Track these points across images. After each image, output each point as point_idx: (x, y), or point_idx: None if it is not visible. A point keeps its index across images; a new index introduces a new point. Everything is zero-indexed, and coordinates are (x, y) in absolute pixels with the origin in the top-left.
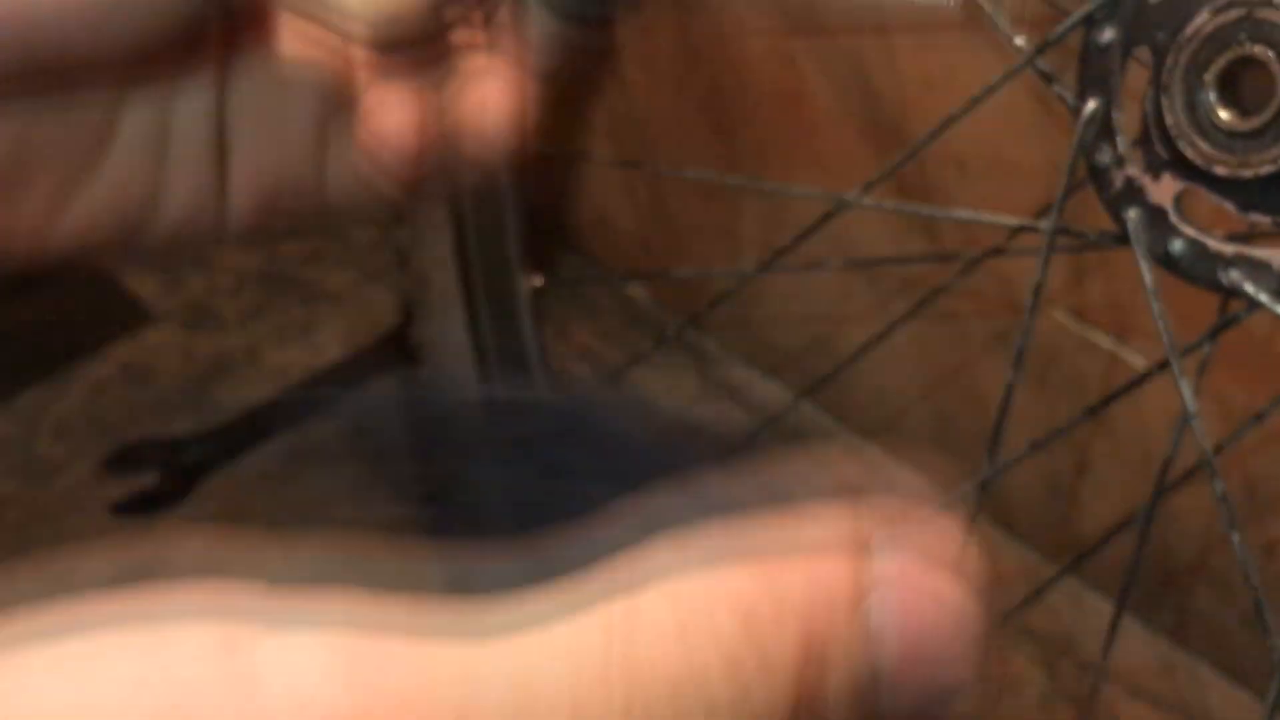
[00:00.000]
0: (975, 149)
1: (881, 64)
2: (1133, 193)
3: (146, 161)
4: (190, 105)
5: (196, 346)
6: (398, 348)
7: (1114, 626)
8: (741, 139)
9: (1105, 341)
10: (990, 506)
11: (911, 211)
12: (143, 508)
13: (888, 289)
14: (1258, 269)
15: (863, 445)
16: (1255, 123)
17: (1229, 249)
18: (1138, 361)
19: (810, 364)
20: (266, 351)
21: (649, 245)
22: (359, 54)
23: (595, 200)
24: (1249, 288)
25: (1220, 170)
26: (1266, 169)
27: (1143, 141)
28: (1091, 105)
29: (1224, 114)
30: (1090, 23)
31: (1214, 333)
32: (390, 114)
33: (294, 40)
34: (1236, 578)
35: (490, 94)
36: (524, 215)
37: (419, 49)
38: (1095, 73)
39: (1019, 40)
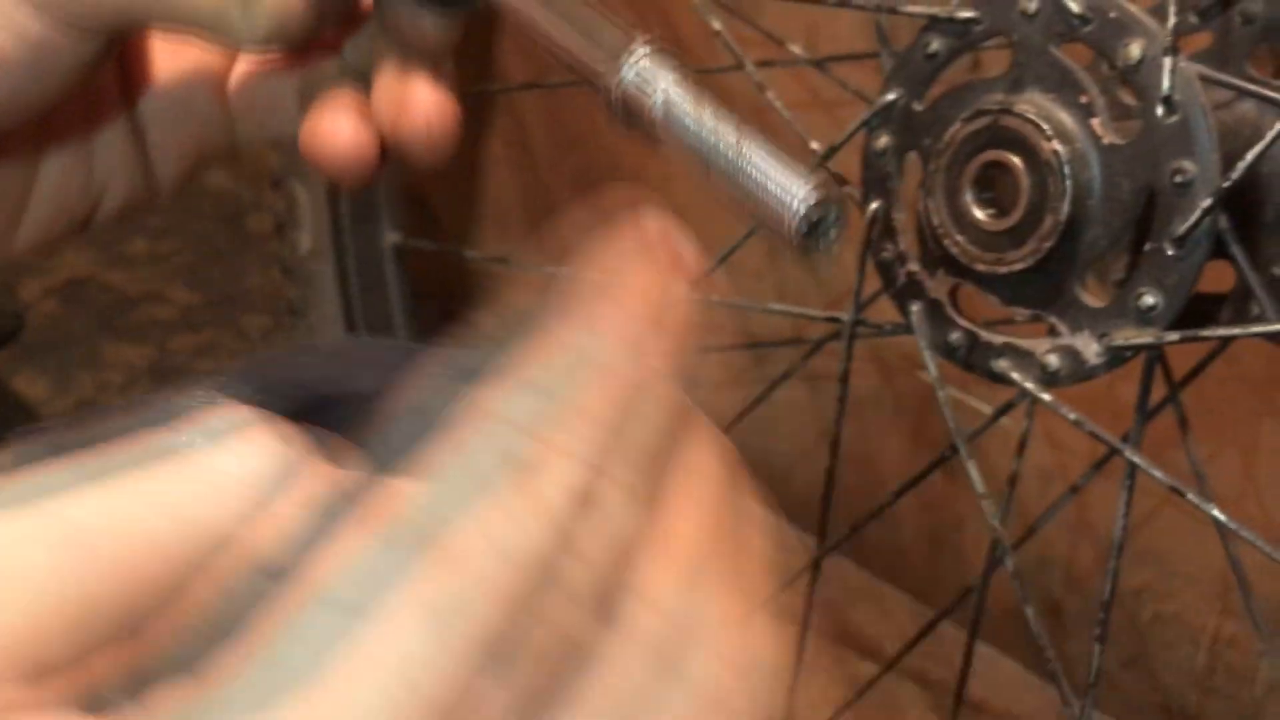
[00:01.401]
0: None
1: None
2: (914, 287)
3: (75, 181)
4: (103, 133)
5: None
6: None
7: (966, 663)
8: (600, 171)
9: (971, 399)
10: (878, 561)
11: (732, 305)
12: None
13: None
14: (1023, 358)
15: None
16: (1008, 222)
17: (998, 339)
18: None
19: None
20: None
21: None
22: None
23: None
24: (1016, 375)
25: (981, 267)
26: (1020, 265)
27: (920, 240)
28: (874, 206)
29: (980, 214)
30: (869, 129)
31: (995, 417)
32: (331, 123)
33: (187, 56)
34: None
35: (410, 96)
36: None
37: (301, 50)
38: (876, 175)
39: (814, 144)
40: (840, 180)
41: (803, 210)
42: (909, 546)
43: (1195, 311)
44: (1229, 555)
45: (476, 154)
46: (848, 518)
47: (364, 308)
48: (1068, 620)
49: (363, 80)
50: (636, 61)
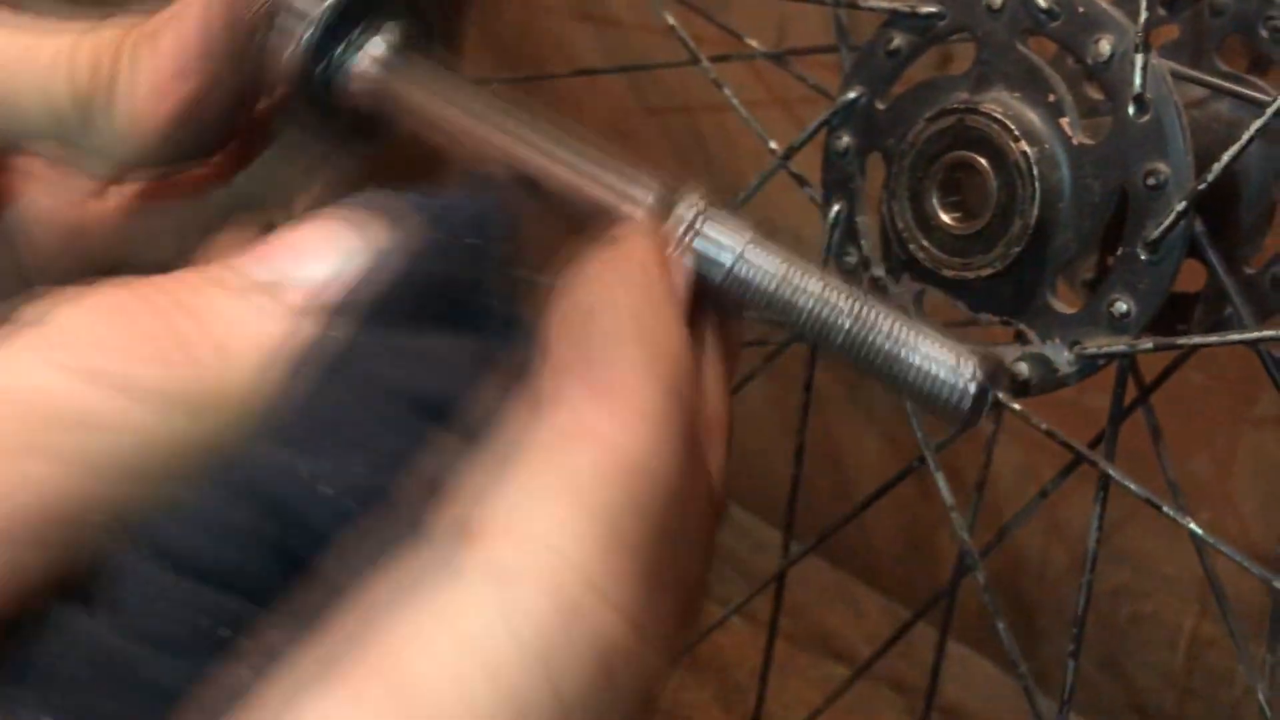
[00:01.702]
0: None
1: (720, 140)
2: (878, 292)
3: None
4: None
5: None
6: None
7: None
8: None
9: None
10: (852, 561)
11: None
12: None
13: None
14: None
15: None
16: (976, 226)
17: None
18: None
19: None
20: None
21: None
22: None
23: None
24: None
25: (948, 272)
26: (988, 270)
27: (884, 244)
28: (835, 209)
29: (947, 218)
30: (829, 128)
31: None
32: None
33: (51, 184)
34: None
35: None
36: None
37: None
38: (837, 177)
39: (773, 144)
40: (800, 181)
41: (974, 389)
42: (882, 547)
43: (1167, 312)
44: (1205, 567)
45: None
46: (820, 517)
47: None
48: (1042, 621)
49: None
50: (686, 226)
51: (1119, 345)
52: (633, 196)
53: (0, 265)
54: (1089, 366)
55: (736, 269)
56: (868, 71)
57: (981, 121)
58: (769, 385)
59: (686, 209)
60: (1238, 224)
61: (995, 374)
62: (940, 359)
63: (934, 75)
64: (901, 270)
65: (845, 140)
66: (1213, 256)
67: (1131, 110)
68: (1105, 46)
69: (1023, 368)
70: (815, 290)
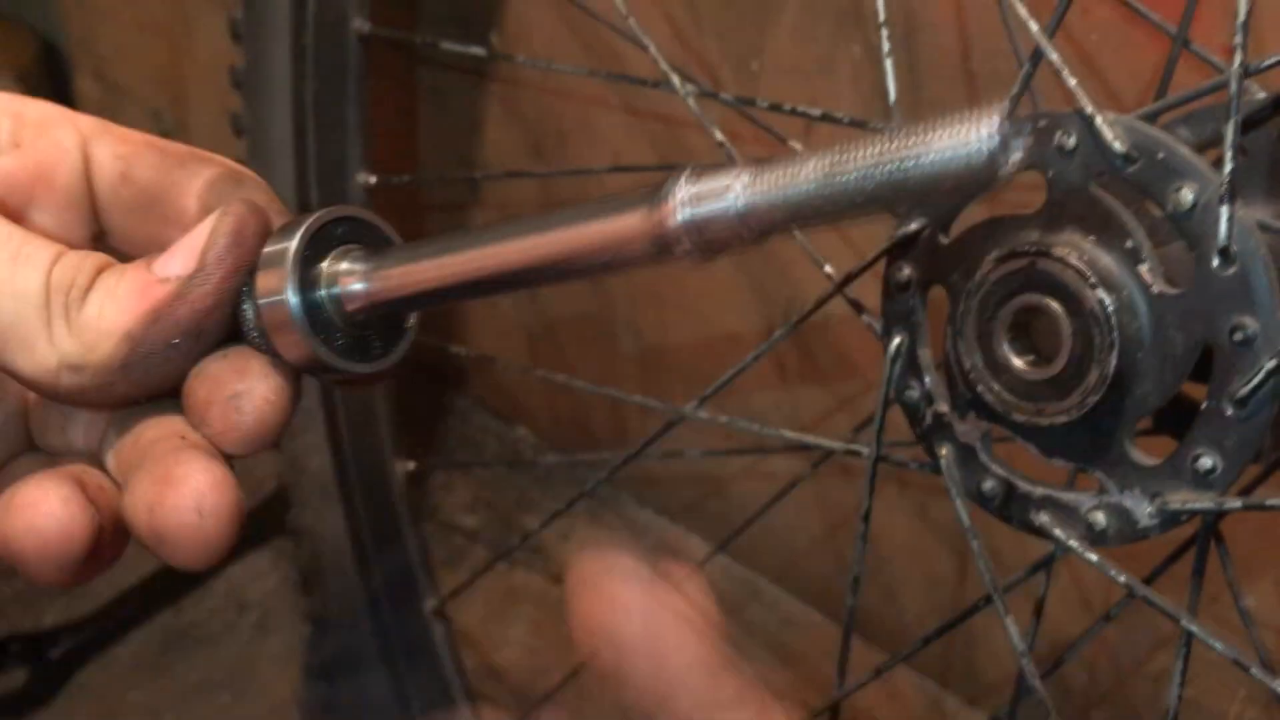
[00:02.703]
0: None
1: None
2: (943, 428)
3: None
4: None
5: None
6: (276, 518)
7: None
8: (612, 290)
9: None
10: (886, 640)
11: (743, 429)
12: (13, 709)
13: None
14: (1065, 512)
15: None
16: (1050, 372)
17: (1038, 490)
18: None
19: (707, 507)
20: None
21: (530, 387)
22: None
23: (479, 344)
24: (1058, 532)
25: (1018, 416)
26: (1063, 418)
27: (949, 381)
28: (896, 340)
29: (1018, 361)
30: (890, 258)
31: (1032, 570)
32: (35, 494)
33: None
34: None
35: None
36: (395, 400)
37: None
38: (898, 309)
39: (828, 269)
40: (858, 307)
41: (993, 143)
42: (914, 621)
43: None
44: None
45: (468, 221)
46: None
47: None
48: (1091, 701)
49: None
50: (681, 192)
51: (1205, 502)
52: (627, 209)
53: None
54: (1171, 521)
55: (742, 207)
56: (929, 204)
57: (1055, 266)
58: (792, 461)
59: (674, 185)
60: None
61: (1010, 119)
62: (955, 139)
63: (1002, 214)
64: (968, 409)
65: (906, 272)
66: None
67: (1216, 262)
68: (1187, 195)
69: (1099, 517)
70: (822, 174)
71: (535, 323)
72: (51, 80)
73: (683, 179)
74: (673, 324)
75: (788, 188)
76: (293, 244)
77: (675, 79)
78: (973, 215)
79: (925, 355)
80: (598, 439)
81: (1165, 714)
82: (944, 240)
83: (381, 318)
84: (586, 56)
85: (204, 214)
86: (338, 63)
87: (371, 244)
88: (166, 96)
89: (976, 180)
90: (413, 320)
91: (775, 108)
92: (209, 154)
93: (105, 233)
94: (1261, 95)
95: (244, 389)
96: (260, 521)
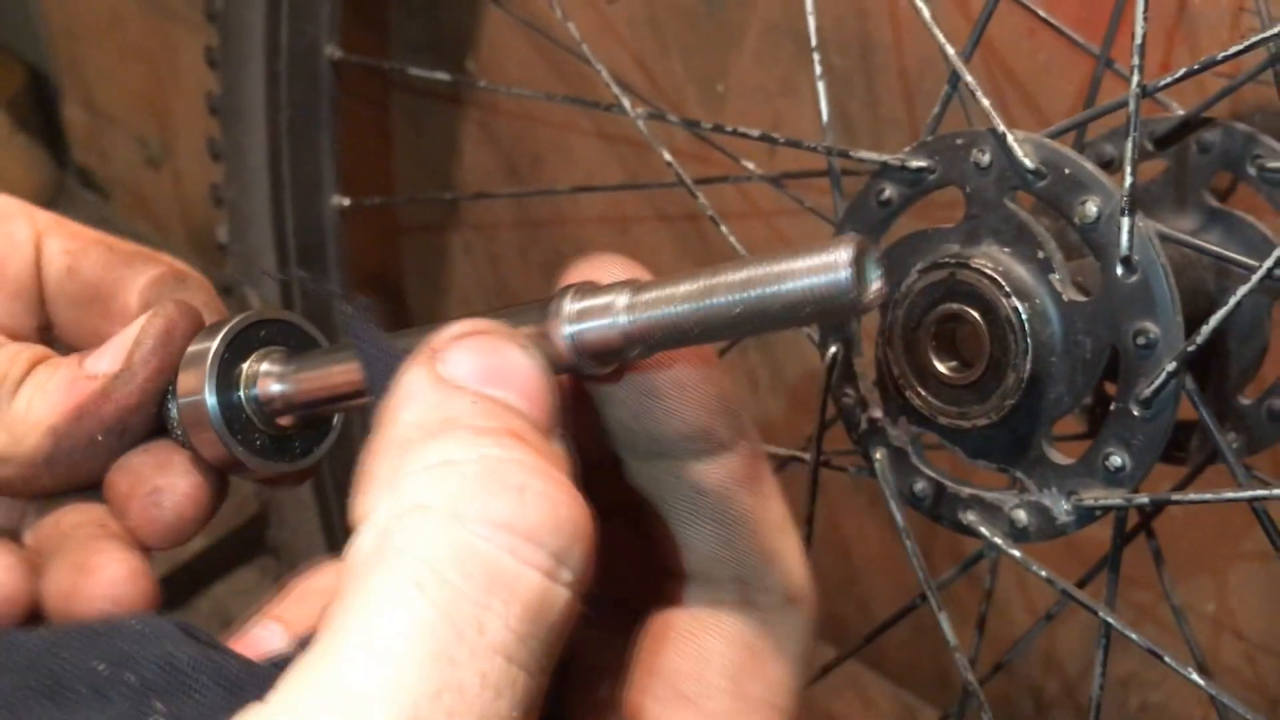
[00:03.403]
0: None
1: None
2: (876, 433)
3: None
4: None
5: None
6: (259, 536)
7: None
8: None
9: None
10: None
11: None
12: None
13: None
14: (991, 511)
15: None
16: (970, 376)
17: (965, 491)
18: None
19: None
20: None
21: None
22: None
23: None
24: (984, 530)
25: (943, 420)
26: (983, 421)
27: (881, 387)
28: (832, 350)
29: (942, 367)
30: None
31: (963, 568)
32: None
33: None
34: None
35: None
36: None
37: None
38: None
39: None
40: None
41: (850, 271)
42: (888, 634)
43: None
44: (1216, 708)
45: (442, 245)
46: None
47: None
48: (1054, 709)
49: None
50: (570, 311)
51: (1115, 498)
52: (521, 324)
53: None
54: (1086, 517)
55: (624, 325)
56: (860, 218)
57: (972, 276)
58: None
59: (560, 303)
60: (1231, 362)
61: (860, 246)
62: (812, 267)
63: (925, 227)
64: (899, 413)
65: None
66: (1205, 413)
67: (1120, 271)
68: (1092, 208)
69: (1020, 515)
70: (695, 296)
71: None
72: (39, 108)
73: (567, 298)
74: None
75: (664, 308)
76: (213, 345)
77: (626, 102)
78: (900, 229)
79: (860, 363)
80: None
81: (1129, 717)
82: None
83: (301, 418)
84: (558, 81)
85: (144, 311)
86: (311, 88)
87: (295, 345)
88: (153, 123)
89: (836, 309)
90: (336, 420)
91: (718, 128)
92: (156, 254)
93: (51, 325)
94: (1179, 113)
95: (165, 484)
96: (244, 539)
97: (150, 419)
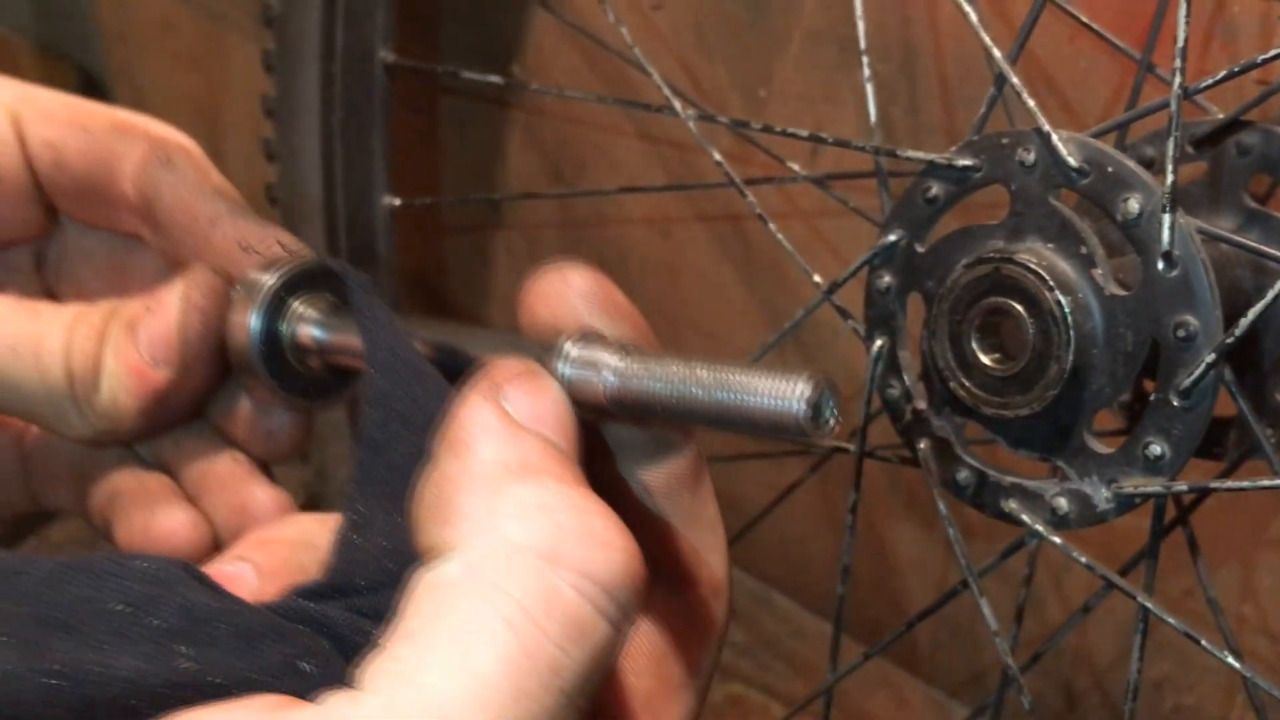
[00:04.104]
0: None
1: (766, 248)
2: (920, 424)
3: None
4: None
5: None
6: None
7: None
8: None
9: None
10: (893, 649)
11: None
12: None
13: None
14: (1032, 499)
15: (768, 592)
16: (1014, 368)
17: (1007, 479)
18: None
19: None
20: None
21: None
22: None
23: None
24: (1026, 518)
25: (987, 410)
26: (1026, 411)
27: (926, 379)
28: (878, 343)
29: (986, 359)
30: (871, 267)
31: (1004, 555)
32: (167, 521)
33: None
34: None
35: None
36: None
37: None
38: (879, 314)
39: (816, 278)
40: (844, 314)
41: (804, 411)
42: (921, 635)
43: (1204, 437)
44: (1248, 691)
45: (485, 247)
46: (863, 606)
47: None
48: (1087, 709)
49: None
50: (568, 355)
51: (1154, 486)
52: (518, 351)
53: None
54: (1126, 505)
55: (610, 384)
56: (906, 215)
57: (1017, 271)
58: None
59: (563, 343)
60: (1266, 357)
61: (823, 386)
62: (770, 388)
63: (970, 224)
64: (943, 404)
65: (886, 279)
66: (1242, 404)
67: (1160, 266)
68: (1134, 205)
69: (1062, 502)
70: (676, 380)
71: None
72: None
73: (570, 341)
74: (687, 343)
75: (648, 381)
76: (267, 282)
77: (677, 104)
78: (946, 226)
79: (905, 357)
80: None
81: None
82: (920, 249)
83: (326, 365)
84: (603, 86)
85: (140, 199)
86: (364, 91)
87: (336, 293)
88: (202, 125)
89: (789, 435)
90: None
91: (767, 129)
92: (132, 122)
93: (56, 208)
94: (1220, 116)
95: (274, 426)
96: None
97: (222, 372)
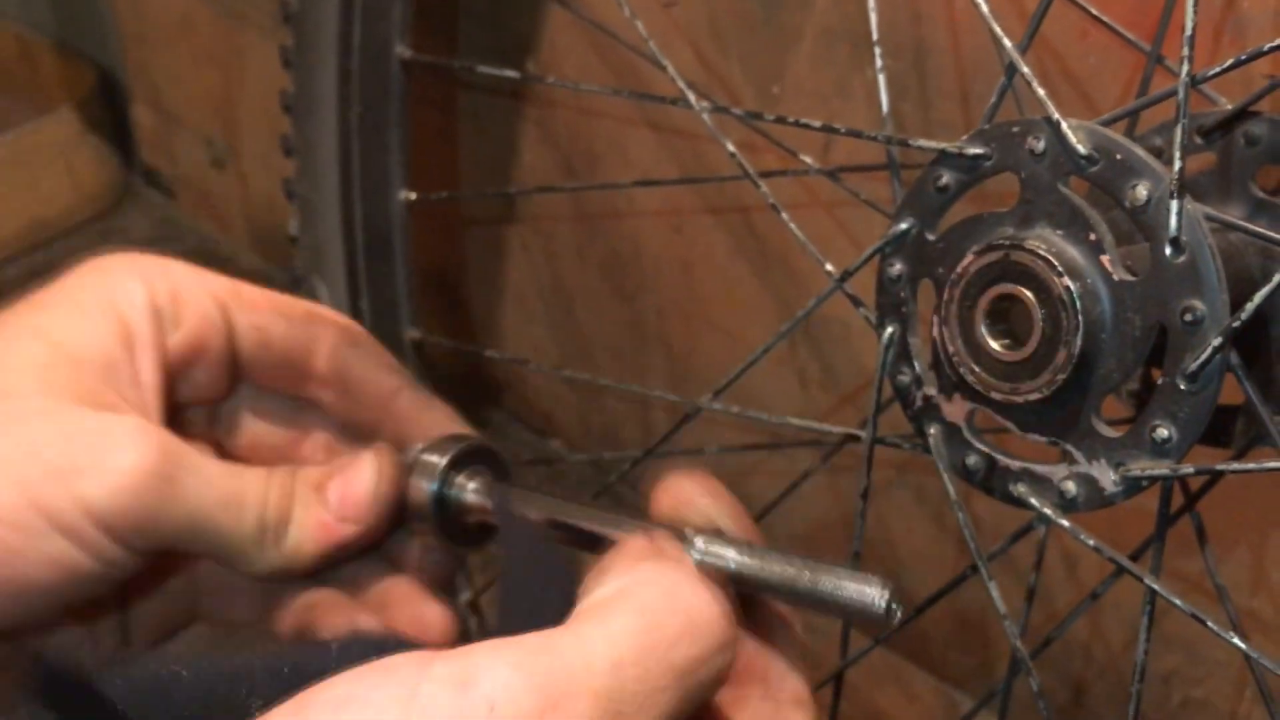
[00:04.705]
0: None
1: (778, 239)
2: (931, 410)
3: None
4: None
5: None
6: None
7: None
8: (642, 304)
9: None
10: (903, 642)
11: (752, 419)
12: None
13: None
14: (1041, 483)
15: None
16: (1023, 354)
17: (1016, 464)
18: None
19: None
20: None
21: (563, 400)
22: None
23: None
24: (1034, 501)
25: (997, 395)
26: (1035, 396)
27: (936, 365)
28: (889, 330)
29: (995, 345)
30: (882, 256)
31: (1013, 539)
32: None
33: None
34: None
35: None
36: None
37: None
38: (890, 301)
39: (829, 267)
40: (856, 302)
41: (883, 605)
42: (931, 629)
43: (1210, 423)
44: (1254, 676)
45: (500, 241)
46: None
47: None
48: (1094, 702)
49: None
50: (699, 543)
51: (1161, 469)
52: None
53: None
54: (1133, 487)
55: (696, 558)
56: (918, 204)
57: (1026, 257)
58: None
59: (692, 535)
60: (1274, 343)
61: (895, 592)
62: (855, 588)
63: (981, 211)
64: (953, 390)
65: (897, 267)
66: (1249, 388)
67: (1168, 251)
68: (1142, 191)
69: (1070, 486)
70: (782, 577)
71: (567, 337)
72: (109, 109)
73: (700, 539)
74: (700, 338)
75: (762, 572)
76: (442, 463)
77: (691, 95)
78: (956, 213)
79: (915, 343)
80: (627, 448)
81: (1171, 713)
82: (931, 237)
83: (478, 524)
84: (616, 83)
85: (332, 374)
86: (381, 87)
87: (489, 466)
88: (219, 123)
89: (866, 624)
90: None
91: (780, 120)
92: (323, 312)
93: (246, 378)
94: (1228, 106)
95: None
96: None
97: (393, 526)
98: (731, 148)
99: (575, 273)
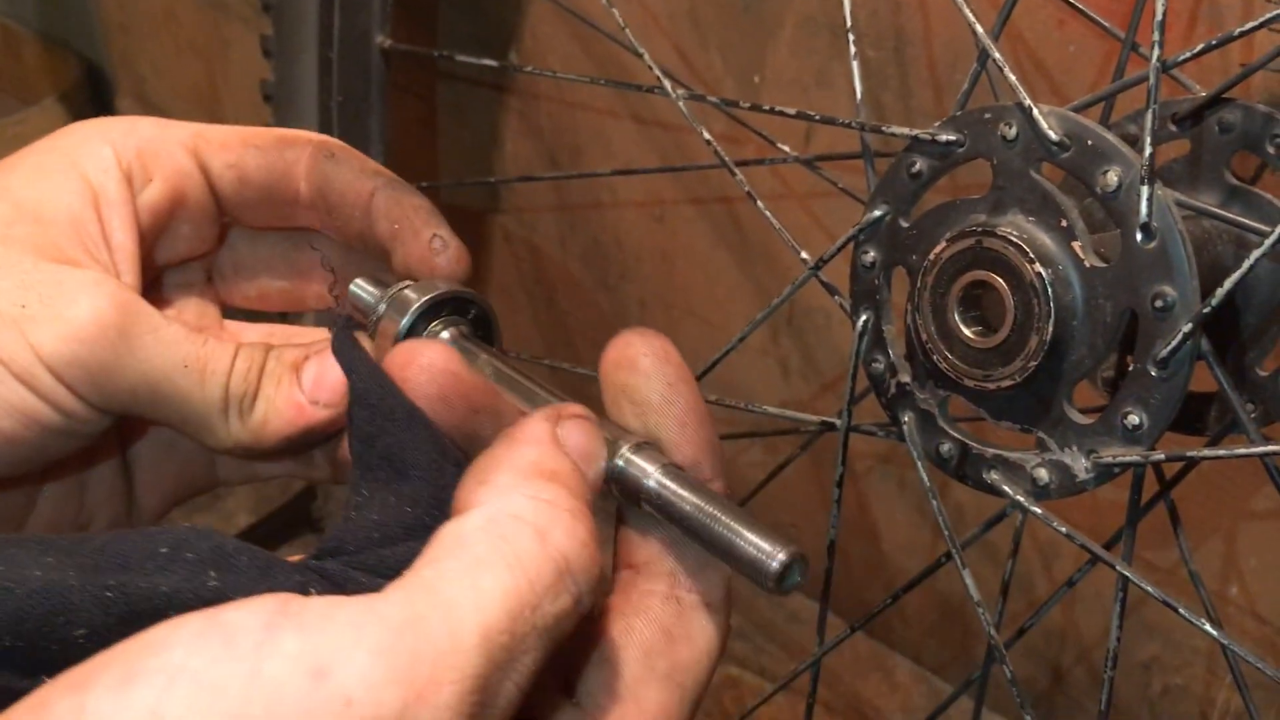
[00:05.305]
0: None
1: (758, 227)
2: (905, 397)
3: (68, 510)
4: (97, 472)
5: None
6: (302, 517)
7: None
8: (624, 294)
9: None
10: (885, 630)
11: (733, 406)
12: None
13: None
14: (1013, 470)
15: None
16: (995, 340)
17: (989, 451)
18: None
19: None
20: (176, 518)
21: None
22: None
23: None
24: (1007, 488)
25: (970, 382)
26: (1007, 382)
27: (910, 352)
28: (863, 318)
29: (968, 332)
30: (856, 243)
31: (987, 526)
32: None
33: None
34: (1126, 695)
35: None
36: None
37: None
38: (864, 288)
39: (804, 255)
40: (830, 289)
41: (775, 567)
42: (914, 618)
43: (1184, 410)
44: (1228, 662)
45: (482, 231)
46: (856, 587)
47: None
48: (1073, 688)
49: None
50: (625, 453)
51: (1133, 455)
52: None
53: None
54: (1105, 474)
55: (651, 486)
56: (891, 191)
57: (998, 244)
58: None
59: (624, 443)
60: (1246, 331)
61: (797, 557)
62: (756, 540)
63: (953, 198)
64: (926, 378)
65: (871, 254)
66: (1219, 373)
67: (1139, 237)
68: (1113, 177)
69: (1042, 473)
70: (691, 512)
71: (550, 326)
72: (93, 100)
73: (629, 446)
74: (681, 328)
75: (674, 498)
76: (415, 306)
77: (667, 83)
78: (929, 200)
79: (890, 331)
80: None
81: (1151, 700)
82: (904, 224)
83: None
84: (598, 73)
85: (314, 192)
86: (361, 76)
87: (463, 314)
88: (202, 114)
89: (757, 581)
90: None
91: (755, 108)
92: (295, 133)
93: (232, 221)
94: (1202, 94)
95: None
96: (290, 516)
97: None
98: (707, 135)
99: (557, 263)
